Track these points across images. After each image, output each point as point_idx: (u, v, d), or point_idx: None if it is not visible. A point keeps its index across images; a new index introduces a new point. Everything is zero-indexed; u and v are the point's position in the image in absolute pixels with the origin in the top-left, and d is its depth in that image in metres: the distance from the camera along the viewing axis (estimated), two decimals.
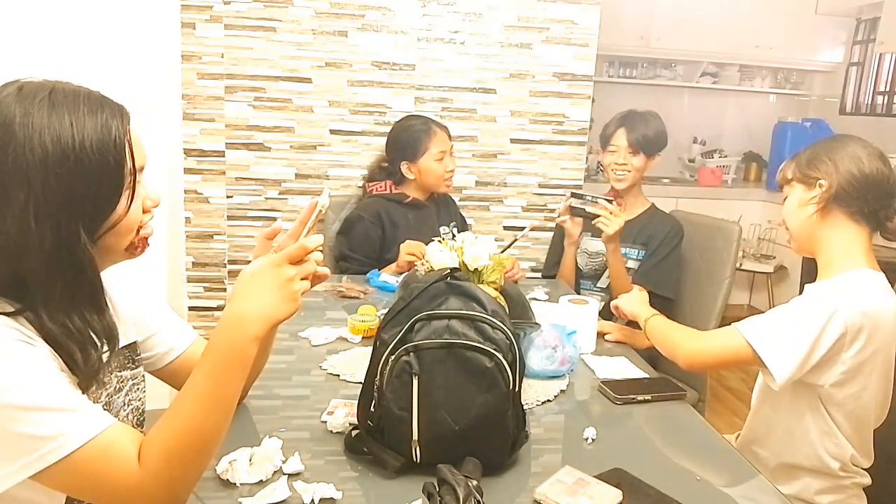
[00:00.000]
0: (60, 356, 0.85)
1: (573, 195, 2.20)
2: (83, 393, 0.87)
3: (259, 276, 0.89)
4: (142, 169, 0.93)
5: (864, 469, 1.41)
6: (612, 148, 2.26)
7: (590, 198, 2.13)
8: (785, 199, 1.47)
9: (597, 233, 2.21)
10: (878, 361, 1.32)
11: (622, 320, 1.85)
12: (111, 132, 0.87)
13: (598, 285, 2.32)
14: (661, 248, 2.25)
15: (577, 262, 2.33)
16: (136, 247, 0.95)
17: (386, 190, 2.39)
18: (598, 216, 2.09)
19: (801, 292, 1.40)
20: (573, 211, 2.20)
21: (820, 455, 1.37)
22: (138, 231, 0.94)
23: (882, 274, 1.37)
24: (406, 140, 2.35)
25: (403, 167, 2.35)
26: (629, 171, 2.24)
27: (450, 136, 2.38)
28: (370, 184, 2.46)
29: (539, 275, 2.57)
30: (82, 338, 0.87)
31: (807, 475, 1.40)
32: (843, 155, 1.37)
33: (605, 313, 2.17)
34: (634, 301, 1.70)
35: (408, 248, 2.10)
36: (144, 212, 0.95)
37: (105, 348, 0.91)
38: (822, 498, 1.39)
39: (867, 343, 1.29)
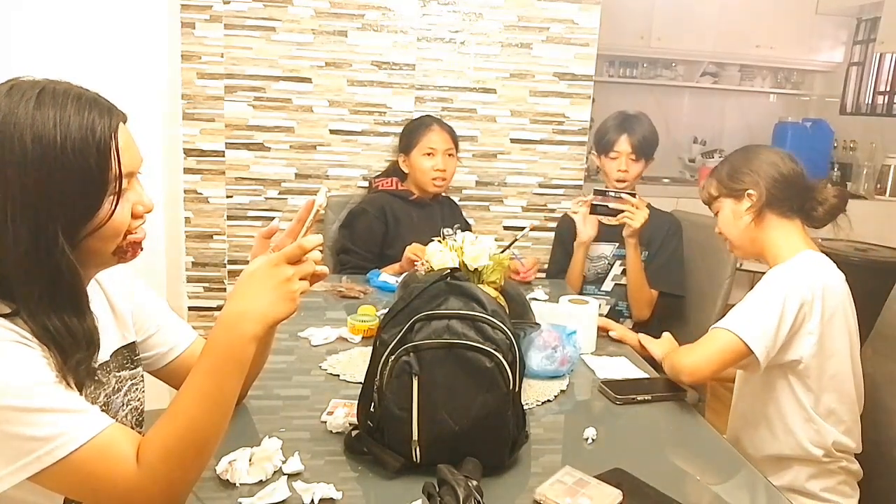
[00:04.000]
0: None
1: (595, 192, 2.16)
2: (79, 393, 0.87)
3: (257, 276, 0.88)
4: (133, 173, 0.91)
5: (854, 456, 1.46)
6: (613, 154, 2.25)
7: (612, 193, 2.12)
8: (716, 214, 1.59)
9: (606, 234, 2.20)
10: (836, 325, 1.41)
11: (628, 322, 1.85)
12: (95, 133, 0.84)
13: (602, 289, 2.30)
14: (664, 247, 2.24)
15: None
16: (126, 251, 0.93)
17: (392, 186, 2.40)
18: (622, 211, 2.08)
19: None
20: (594, 209, 2.14)
21: (802, 444, 1.42)
22: (125, 236, 0.91)
23: (822, 253, 1.47)
24: (405, 132, 2.45)
25: (400, 159, 2.43)
26: (628, 180, 2.24)
27: (454, 140, 2.40)
28: (376, 179, 2.48)
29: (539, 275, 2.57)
30: (61, 340, 0.85)
31: (795, 463, 1.45)
32: (760, 163, 1.50)
33: (609, 316, 2.16)
34: (664, 349, 1.62)
35: (412, 250, 2.07)
36: (135, 217, 0.92)
37: (84, 353, 0.88)
38: (813, 484, 1.44)
39: (824, 309, 1.38)
